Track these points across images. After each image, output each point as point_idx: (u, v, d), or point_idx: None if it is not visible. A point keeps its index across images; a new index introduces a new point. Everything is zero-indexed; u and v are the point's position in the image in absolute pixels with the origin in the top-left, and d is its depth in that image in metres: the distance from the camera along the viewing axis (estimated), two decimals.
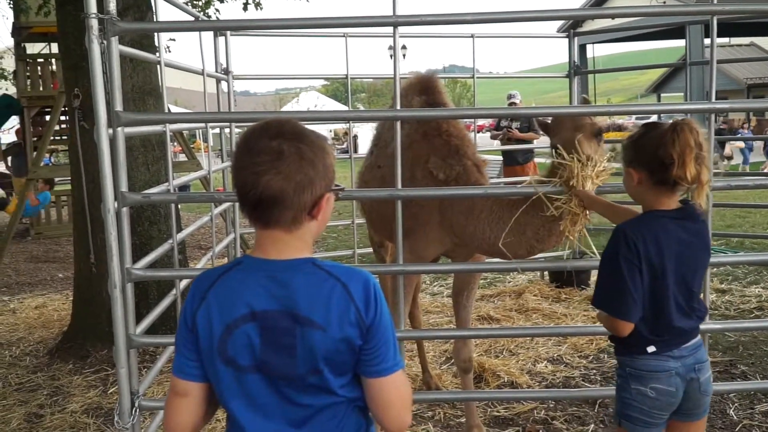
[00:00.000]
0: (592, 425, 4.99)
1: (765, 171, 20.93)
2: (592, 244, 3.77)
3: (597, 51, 34.08)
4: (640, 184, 2.86)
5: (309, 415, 1.99)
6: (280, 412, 1.98)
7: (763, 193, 14.61)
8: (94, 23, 3.32)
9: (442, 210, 4.42)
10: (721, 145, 23.90)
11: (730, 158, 23.65)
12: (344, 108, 21.23)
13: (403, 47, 36.67)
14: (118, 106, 3.47)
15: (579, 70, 8.83)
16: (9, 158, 17.66)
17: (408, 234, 4.38)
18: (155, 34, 5.98)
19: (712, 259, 3.96)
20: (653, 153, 2.77)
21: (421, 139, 4.62)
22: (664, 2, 22.50)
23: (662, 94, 45.83)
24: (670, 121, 2.81)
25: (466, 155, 4.56)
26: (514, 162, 11.53)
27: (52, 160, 21.64)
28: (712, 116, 4.46)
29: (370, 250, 6.69)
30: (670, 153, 2.71)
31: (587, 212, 3.63)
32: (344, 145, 35.53)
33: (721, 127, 32.08)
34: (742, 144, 23.86)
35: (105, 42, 3.38)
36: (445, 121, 4.64)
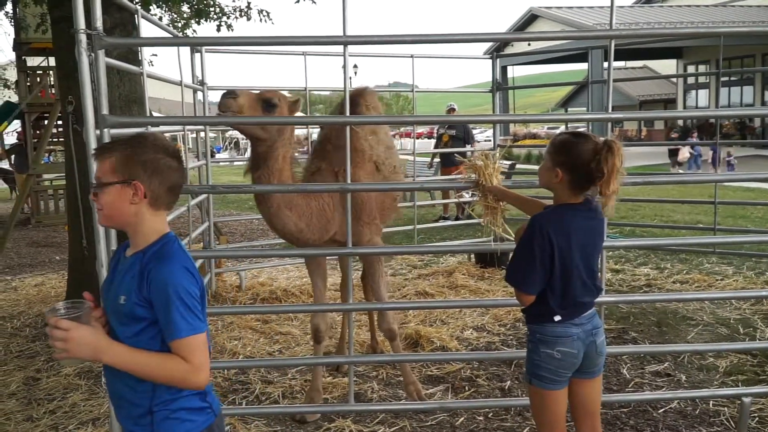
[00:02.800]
0: (509, 382, 5.04)
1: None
2: (510, 231, 3.79)
3: (516, 72, 34.58)
4: (561, 182, 2.87)
5: None
6: None
7: (652, 190, 14.92)
8: (83, 38, 3.24)
9: None
10: (674, 152, 23.81)
11: (681, 164, 23.23)
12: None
13: (355, 66, 36.58)
14: (105, 110, 3.40)
15: (500, 86, 8.91)
16: (12, 157, 17.35)
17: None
18: (139, 48, 5.87)
19: (609, 244, 4.04)
20: (586, 164, 2.77)
21: (317, 145, 4.71)
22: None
23: (569, 108, 46.57)
24: (601, 140, 2.81)
25: (324, 158, 4.60)
26: (449, 163, 11.90)
27: (51, 158, 21.19)
28: (609, 124, 4.54)
29: None
30: (602, 169, 2.73)
31: (502, 204, 3.63)
32: (305, 148, 35.39)
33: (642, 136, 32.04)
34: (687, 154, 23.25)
35: (93, 54, 3.30)
36: (334, 129, 4.57)
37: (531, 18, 35.24)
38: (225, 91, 3.93)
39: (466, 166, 3.77)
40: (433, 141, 15.49)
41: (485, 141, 26.45)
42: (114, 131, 3.58)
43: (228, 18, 10.48)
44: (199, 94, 7.17)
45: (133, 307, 2.04)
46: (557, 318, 2.86)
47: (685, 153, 23.05)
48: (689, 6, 35.63)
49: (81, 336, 1.97)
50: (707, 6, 34.89)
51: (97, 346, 1.99)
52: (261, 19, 10.99)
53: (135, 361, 2.01)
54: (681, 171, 21.85)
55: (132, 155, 2.10)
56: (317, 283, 4.81)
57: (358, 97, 4.80)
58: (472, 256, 8.83)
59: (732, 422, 4.26)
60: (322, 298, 4.88)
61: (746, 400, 3.88)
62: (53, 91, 13.99)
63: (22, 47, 14.37)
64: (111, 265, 2.29)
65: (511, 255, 3.00)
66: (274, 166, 4.07)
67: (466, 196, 10.74)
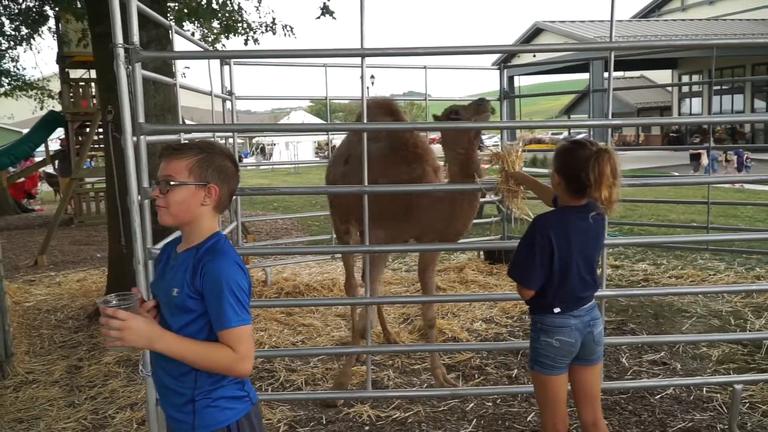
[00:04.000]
0: (516, 370, 5.02)
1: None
2: (530, 213, 3.75)
3: (522, 81, 34.36)
4: (558, 185, 2.88)
5: None
6: None
7: (650, 191, 14.79)
8: (121, 52, 3.25)
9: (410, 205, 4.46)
10: (695, 157, 23.08)
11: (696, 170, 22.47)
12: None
13: (372, 77, 36.48)
14: (141, 119, 3.41)
15: (507, 95, 8.86)
16: (56, 162, 17.51)
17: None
18: (173, 61, 5.89)
19: (609, 241, 4.02)
20: (576, 172, 2.75)
21: (391, 152, 4.62)
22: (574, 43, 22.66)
23: (572, 116, 46.30)
24: (594, 148, 2.76)
25: (426, 162, 4.59)
26: None
27: (92, 163, 21.38)
28: (609, 130, 4.52)
29: None
30: (589, 177, 2.70)
31: (522, 187, 3.63)
32: (325, 153, 35.53)
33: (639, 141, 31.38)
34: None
35: (130, 67, 3.32)
36: (411, 136, 4.64)
37: (536, 31, 35.05)
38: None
39: (490, 156, 3.78)
40: None
41: (493, 146, 26.33)
42: (150, 138, 3.60)
43: (255, 33, 10.51)
44: (228, 104, 7.19)
45: (184, 299, 2.03)
46: (557, 310, 2.87)
47: (705, 159, 22.41)
48: (684, 20, 35.32)
49: (137, 325, 1.95)
50: (701, 20, 34.56)
51: (151, 335, 1.97)
52: (285, 34, 11.00)
53: (185, 349, 1.99)
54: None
55: (209, 159, 2.10)
56: (376, 279, 4.74)
57: (395, 105, 4.89)
58: (482, 253, 8.81)
59: (724, 408, 4.23)
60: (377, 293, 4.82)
61: (737, 387, 3.84)
62: (94, 102, 14.10)
63: (64, 60, 14.49)
64: (161, 261, 2.27)
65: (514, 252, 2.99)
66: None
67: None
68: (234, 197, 7.22)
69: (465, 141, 4.14)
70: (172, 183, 2.07)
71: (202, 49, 6.74)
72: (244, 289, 2.02)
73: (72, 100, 14.69)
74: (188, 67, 13.68)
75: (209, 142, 2.20)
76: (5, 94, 19.08)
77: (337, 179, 5.12)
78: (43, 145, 16.89)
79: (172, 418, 2.15)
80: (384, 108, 5.02)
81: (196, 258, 2.06)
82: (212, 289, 1.99)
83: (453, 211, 4.27)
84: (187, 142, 2.15)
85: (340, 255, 8.57)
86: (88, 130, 14.66)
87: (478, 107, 4.12)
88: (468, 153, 4.15)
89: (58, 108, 16.54)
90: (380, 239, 4.54)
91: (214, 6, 9.12)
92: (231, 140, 7.81)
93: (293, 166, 34.02)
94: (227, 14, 9.69)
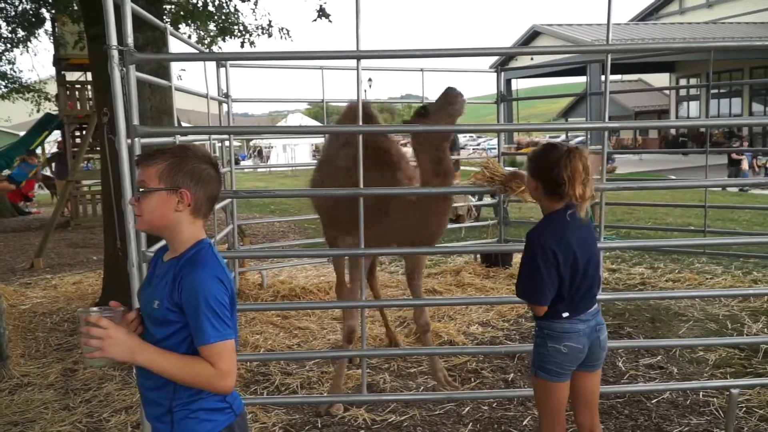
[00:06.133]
0: (512, 374, 5.01)
1: None
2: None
3: (520, 84, 34.37)
4: (537, 190, 2.89)
5: None
6: None
7: (647, 194, 14.80)
8: (115, 54, 3.24)
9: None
10: (733, 162, 21.90)
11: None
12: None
13: (369, 80, 36.51)
14: (135, 121, 3.41)
15: (505, 98, 8.87)
16: (53, 164, 17.50)
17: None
18: (169, 63, 5.88)
19: (606, 245, 4.02)
20: (549, 172, 2.77)
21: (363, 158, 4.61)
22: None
23: (569, 118, 46.39)
24: (566, 147, 2.81)
25: (399, 168, 4.62)
26: None
27: (90, 166, 21.34)
28: (606, 133, 4.52)
29: None
30: (562, 175, 2.72)
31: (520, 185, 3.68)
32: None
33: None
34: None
35: (124, 69, 3.31)
36: (385, 141, 4.63)
37: (533, 34, 35.11)
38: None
39: (479, 179, 3.86)
40: None
41: (491, 149, 26.35)
42: (144, 140, 3.60)
43: (251, 35, 10.48)
44: (224, 106, 7.19)
45: (165, 312, 2.00)
46: (565, 314, 2.84)
47: (745, 165, 21.97)
48: (681, 23, 35.42)
49: (118, 335, 1.94)
50: (698, 23, 34.65)
51: (133, 347, 1.97)
52: (281, 37, 10.97)
53: (166, 363, 1.98)
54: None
55: (179, 164, 2.05)
56: (358, 284, 4.66)
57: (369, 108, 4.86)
58: (478, 256, 8.80)
59: (720, 412, 4.22)
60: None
61: (734, 391, 3.84)
62: (91, 104, 14.08)
63: (61, 63, 14.47)
64: (150, 269, 2.24)
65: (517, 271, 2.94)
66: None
67: (473, 200, 10.70)
68: (230, 200, 7.20)
69: (437, 140, 4.11)
70: (141, 190, 2.04)
71: (197, 52, 6.73)
72: (223, 303, 1.99)
73: (69, 102, 14.68)
74: (184, 70, 13.65)
75: (184, 146, 2.16)
76: (2, 96, 19.02)
77: (311, 186, 5.13)
78: (40, 147, 16.85)
79: (154, 427, 2.14)
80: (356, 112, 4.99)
81: (176, 269, 2.03)
82: (190, 304, 1.97)
83: (423, 215, 4.26)
84: (162, 148, 2.15)
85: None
86: (84, 132, 14.63)
87: (447, 96, 4.09)
88: (439, 152, 4.12)
89: (55, 110, 16.50)
90: (351, 246, 4.56)
91: (210, 8, 9.11)
92: (227, 142, 7.81)
93: (290, 168, 33.99)
94: (223, 17, 9.66)
